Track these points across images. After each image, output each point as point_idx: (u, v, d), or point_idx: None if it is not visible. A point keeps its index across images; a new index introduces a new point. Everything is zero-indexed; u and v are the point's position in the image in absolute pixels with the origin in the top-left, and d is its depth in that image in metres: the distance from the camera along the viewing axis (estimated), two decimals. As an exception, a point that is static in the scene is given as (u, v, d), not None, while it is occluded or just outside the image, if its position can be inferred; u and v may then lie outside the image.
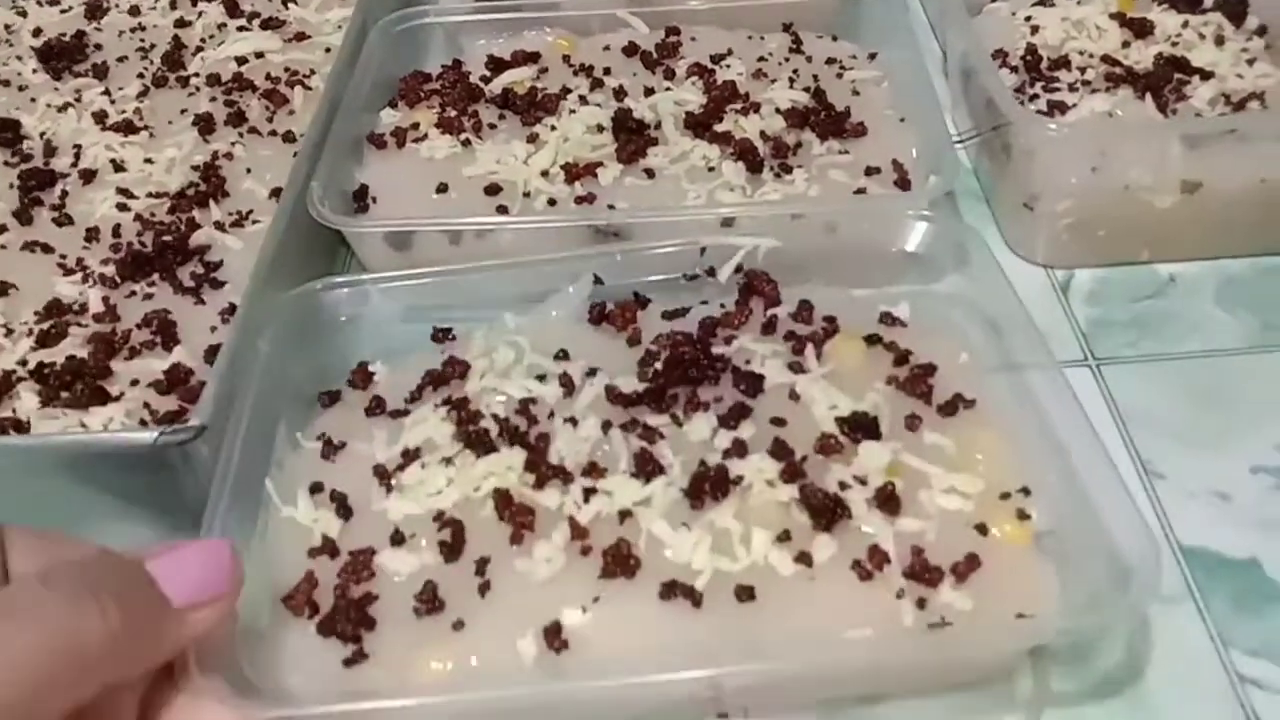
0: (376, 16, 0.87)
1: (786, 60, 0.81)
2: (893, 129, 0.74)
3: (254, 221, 0.73)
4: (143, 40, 0.92)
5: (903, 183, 0.70)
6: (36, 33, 0.93)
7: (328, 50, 0.89)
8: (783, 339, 0.58)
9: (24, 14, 0.96)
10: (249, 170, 0.78)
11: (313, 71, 0.87)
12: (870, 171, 0.71)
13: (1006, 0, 0.83)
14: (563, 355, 0.58)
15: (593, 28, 0.86)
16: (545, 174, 0.72)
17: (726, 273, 0.62)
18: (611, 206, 0.69)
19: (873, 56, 0.81)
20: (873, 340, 0.57)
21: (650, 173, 0.71)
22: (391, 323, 0.63)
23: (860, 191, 0.69)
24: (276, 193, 0.75)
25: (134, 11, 0.95)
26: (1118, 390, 0.65)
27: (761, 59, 0.81)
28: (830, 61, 0.81)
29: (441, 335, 0.62)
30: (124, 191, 0.75)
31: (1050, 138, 0.68)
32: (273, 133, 0.81)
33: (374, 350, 0.61)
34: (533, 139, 0.75)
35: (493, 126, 0.77)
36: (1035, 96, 0.74)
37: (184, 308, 0.67)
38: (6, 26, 0.94)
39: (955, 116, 0.84)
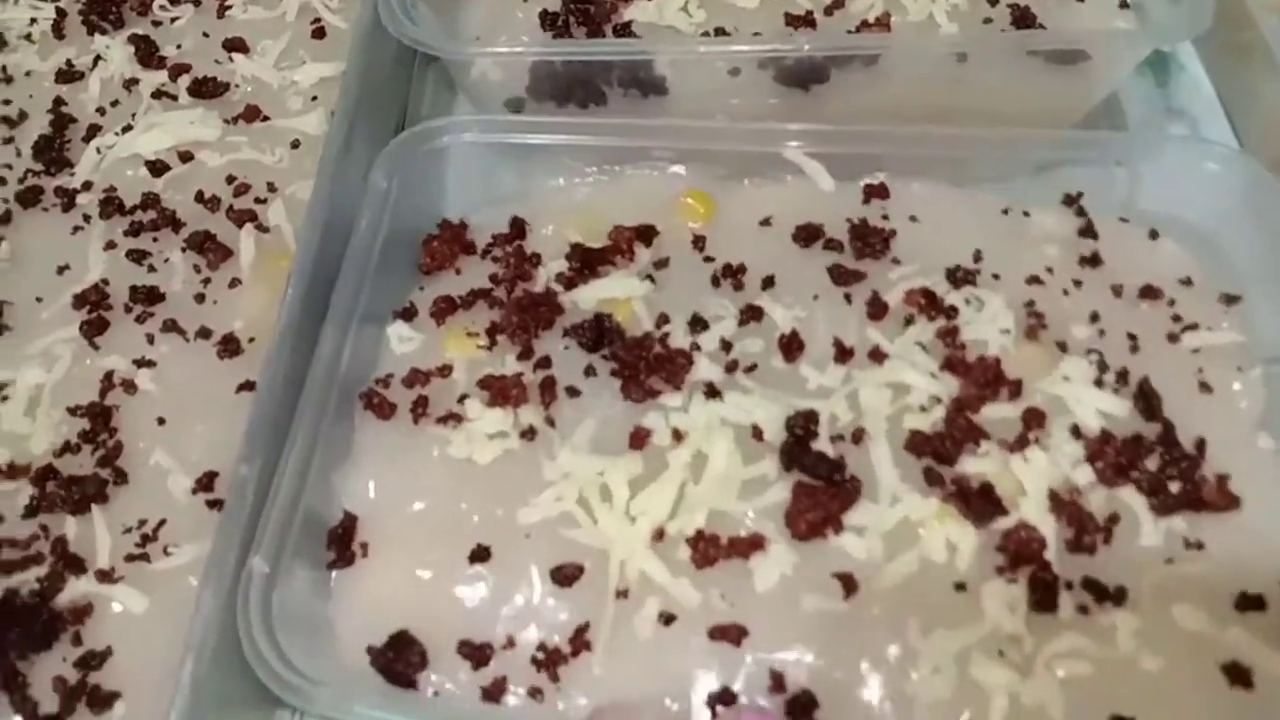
0: (373, 88, 0.53)
1: (1077, 286, 0.47)
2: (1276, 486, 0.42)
3: (169, 551, 0.43)
4: (8, 100, 0.57)
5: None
6: None
7: (296, 145, 0.54)
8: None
9: None
10: (161, 421, 0.46)
11: (273, 188, 0.53)
12: (1248, 605, 0.39)
13: None
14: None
15: (741, 168, 0.51)
16: (661, 536, 0.41)
17: None
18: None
19: (1231, 300, 0.47)
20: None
21: (849, 584, 0.39)
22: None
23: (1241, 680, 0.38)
24: (207, 482, 0.44)
25: (-3, 42, 0.60)
26: None
27: (1034, 278, 0.47)
28: (1151, 295, 0.47)
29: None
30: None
31: None
32: (204, 333, 0.49)
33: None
34: (639, 440, 0.43)
35: (574, 393, 0.45)
36: None
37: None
38: None
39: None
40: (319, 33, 0.58)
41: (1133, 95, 0.61)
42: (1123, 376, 0.44)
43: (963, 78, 0.53)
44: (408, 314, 0.48)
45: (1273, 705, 0.38)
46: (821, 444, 0.42)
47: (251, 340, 0.48)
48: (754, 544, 0.40)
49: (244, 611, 0.39)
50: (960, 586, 0.39)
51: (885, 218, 0.49)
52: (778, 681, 0.38)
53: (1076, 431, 0.43)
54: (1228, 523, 0.41)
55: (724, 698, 0.38)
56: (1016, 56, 0.53)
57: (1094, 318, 0.46)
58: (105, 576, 0.43)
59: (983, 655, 0.38)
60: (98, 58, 0.58)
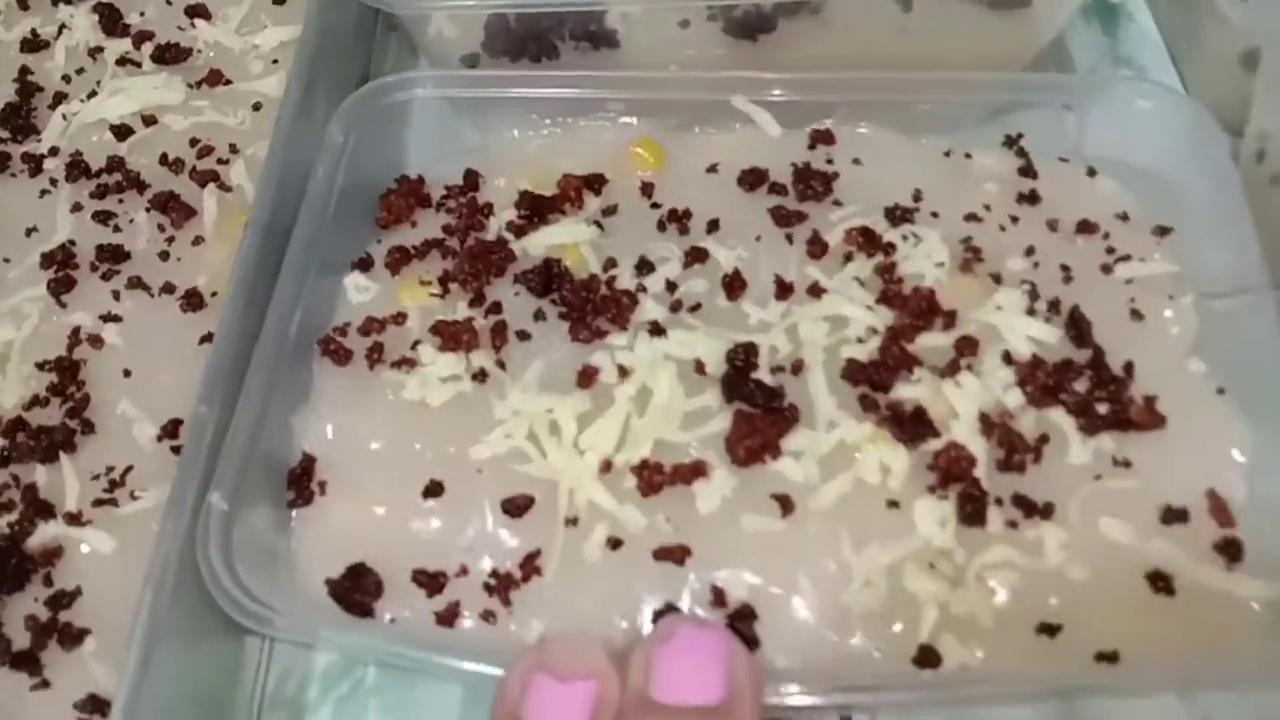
0: (332, 49, 0.54)
1: (1014, 222, 0.49)
2: (1207, 411, 0.43)
3: (135, 495, 0.45)
4: (-26, 69, 0.58)
5: (1230, 548, 0.40)
6: None
7: (257, 107, 0.56)
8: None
9: None
10: (127, 373, 0.48)
11: (235, 149, 0.54)
12: (1173, 518, 0.41)
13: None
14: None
15: (691, 118, 0.52)
16: (608, 468, 0.42)
17: None
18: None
19: (1164, 232, 0.48)
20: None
21: (786, 504, 0.41)
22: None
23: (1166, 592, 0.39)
24: (172, 430, 0.46)
25: (-37, 10, 0.61)
26: None
27: (972, 216, 0.49)
28: (1086, 229, 0.48)
29: None
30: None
31: None
32: (168, 288, 0.50)
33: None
34: (587, 378, 0.45)
35: (524, 337, 0.46)
36: None
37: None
38: None
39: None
40: (280, -2, 0.60)
41: (1080, 44, 0.62)
42: (1054, 305, 0.45)
43: (908, 25, 0.54)
44: (364, 265, 0.49)
45: (1192, 610, 0.39)
46: (761, 375, 0.43)
47: (214, 295, 0.50)
48: (696, 470, 0.41)
49: (203, 544, 0.40)
50: (893, 504, 0.40)
51: (829, 161, 0.50)
52: (719, 596, 0.39)
53: (1008, 358, 0.44)
54: (1154, 441, 0.42)
55: (667, 613, 0.39)
56: (959, 2, 0.54)
57: (1029, 251, 0.47)
58: (74, 520, 0.44)
59: (915, 567, 0.39)
60: (62, 27, 0.59)
